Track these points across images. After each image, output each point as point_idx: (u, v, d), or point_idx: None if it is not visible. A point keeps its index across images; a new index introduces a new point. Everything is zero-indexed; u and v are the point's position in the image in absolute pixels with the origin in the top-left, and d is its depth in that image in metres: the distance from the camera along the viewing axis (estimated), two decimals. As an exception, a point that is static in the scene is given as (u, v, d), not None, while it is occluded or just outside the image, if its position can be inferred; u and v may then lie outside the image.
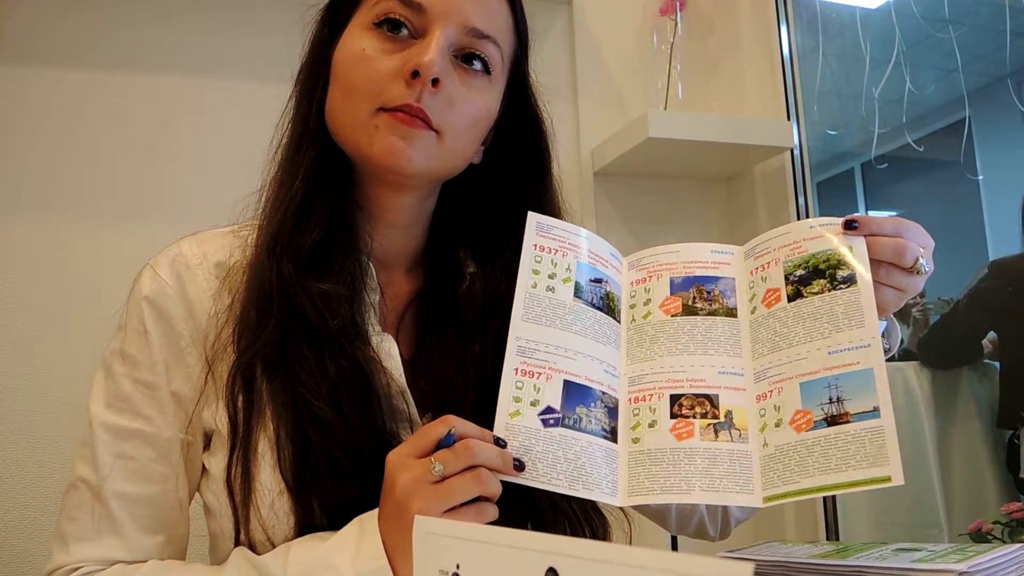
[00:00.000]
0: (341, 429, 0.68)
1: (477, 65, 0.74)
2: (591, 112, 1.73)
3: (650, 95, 1.75)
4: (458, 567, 0.40)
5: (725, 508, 0.89)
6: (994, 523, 1.39)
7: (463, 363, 0.76)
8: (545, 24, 1.74)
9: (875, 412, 0.61)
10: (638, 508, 0.88)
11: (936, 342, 1.64)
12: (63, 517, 0.73)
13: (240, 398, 0.70)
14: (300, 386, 0.68)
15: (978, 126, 1.62)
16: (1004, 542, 1.34)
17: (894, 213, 1.96)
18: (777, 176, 1.74)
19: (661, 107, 1.69)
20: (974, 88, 1.63)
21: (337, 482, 0.68)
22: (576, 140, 1.71)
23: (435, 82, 0.70)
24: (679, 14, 1.70)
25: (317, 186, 0.74)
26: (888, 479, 0.59)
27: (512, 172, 0.83)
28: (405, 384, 0.74)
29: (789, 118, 1.70)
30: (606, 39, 1.77)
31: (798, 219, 1.67)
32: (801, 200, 1.68)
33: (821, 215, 1.69)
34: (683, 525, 0.91)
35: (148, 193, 1.42)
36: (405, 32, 0.72)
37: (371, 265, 0.76)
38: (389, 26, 0.72)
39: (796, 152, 1.69)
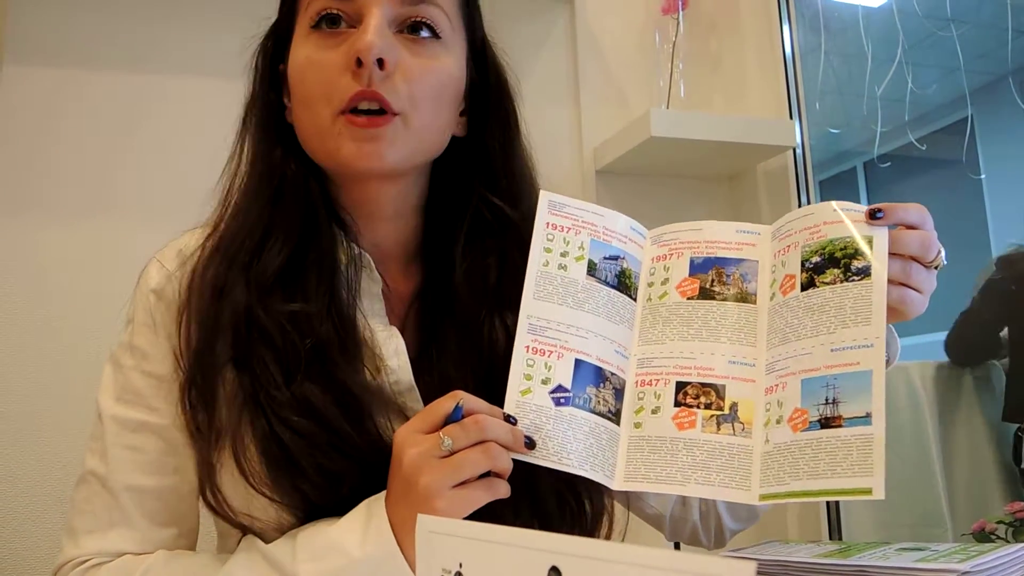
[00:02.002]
0: (323, 438, 0.66)
1: (425, 32, 0.71)
2: (593, 111, 1.72)
3: (652, 94, 1.75)
4: (461, 566, 0.40)
5: (719, 518, 0.88)
6: (998, 523, 1.38)
7: (465, 353, 0.74)
8: (547, 22, 1.74)
9: (867, 418, 0.58)
10: (636, 512, 0.88)
11: (962, 339, 1.62)
12: (73, 511, 0.73)
13: (198, 417, 0.69)
14: (271, 403, 0.66)
15: (980, 124, 1.62)
16: (1007, 542, 1.34)
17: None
18: (779, 175, 1.73)
19: (663, 106, 1.69)
20: (976, 87, 1.63)
21: (331, 483, 0.66)
22: (578, 139, 1.71)
23: (380, 63, 0.67)
24: (681, 12, 1.70)
25: (281, 207, 0.72)
26: (869, 491, 0.55)
27: (481, 138, 0.79)
28: (413, 381, 0.73)
29: (791, 117, 1.70)
30: (608, 38, 1.77)
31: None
32: (804, 199, 1.68)
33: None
34: (677, 531, 0.90)
35: (146, 190, 1.42)
36: (344, 25, 0.69)
37: (368, 256, 0.75)
38: (327, 23, 0.69)
39: (798, 151, 1.69)
